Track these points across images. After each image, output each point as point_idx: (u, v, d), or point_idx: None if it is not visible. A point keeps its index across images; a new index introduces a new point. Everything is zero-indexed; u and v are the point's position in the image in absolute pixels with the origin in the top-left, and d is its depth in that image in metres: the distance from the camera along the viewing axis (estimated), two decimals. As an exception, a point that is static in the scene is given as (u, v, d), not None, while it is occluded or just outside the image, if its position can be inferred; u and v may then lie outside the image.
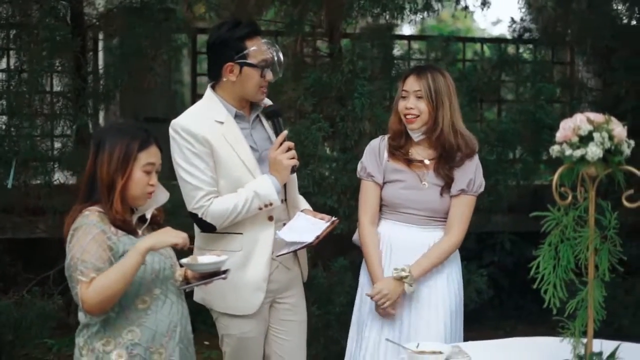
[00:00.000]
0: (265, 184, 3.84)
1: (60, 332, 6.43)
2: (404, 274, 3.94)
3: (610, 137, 3.10)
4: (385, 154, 4.11)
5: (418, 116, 4.01)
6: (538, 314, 7.10)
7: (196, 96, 8.12)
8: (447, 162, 4.04)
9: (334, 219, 3.99)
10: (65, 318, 6.30)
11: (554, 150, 3.23)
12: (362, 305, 4.20)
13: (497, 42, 8.66)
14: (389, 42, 7.06)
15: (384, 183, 4.11)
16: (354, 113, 5.99)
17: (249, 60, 3.82)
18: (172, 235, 3.20)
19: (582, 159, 3.09)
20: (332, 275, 6.08)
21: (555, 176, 3.12)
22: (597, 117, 3.20)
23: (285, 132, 3.92)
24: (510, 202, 6.75)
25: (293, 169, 3.92)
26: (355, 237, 4.24)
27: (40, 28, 6.15)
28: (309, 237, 3.87)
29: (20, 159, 6.14)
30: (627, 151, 3.16)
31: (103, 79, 6.32)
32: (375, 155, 4.13)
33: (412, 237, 4.06)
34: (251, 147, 3.92)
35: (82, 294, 3.13)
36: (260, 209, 3.84)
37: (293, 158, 3.89)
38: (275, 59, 3.89)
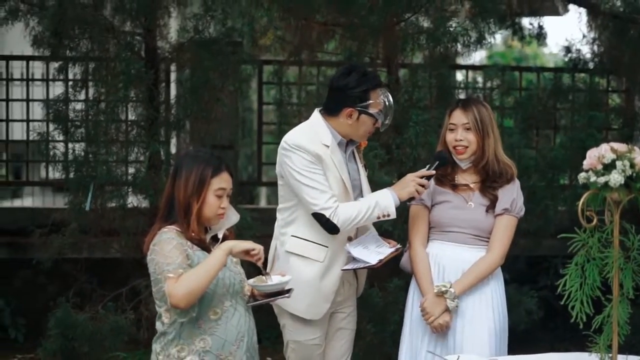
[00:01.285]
0: (386, 196, 4.21)
1: (131, 346, 6.78)
2: (444, 289, 4.20)
3: (632, 165, 3.36)
4: (433, 181, 4.37)
5: (467, 147, 4.31)
6: (590, 336, 7.26)
7: (262, 124, 8.51)
8: (490, 185, 4.33)
9: (399, 246, 4.37)
10: (136, 333, 6.65)
11: (581, 177, 3.52)
12: (413, 320, 4.45)
13: (553, 70, 8.86)
14: (446, 72, 7.31)
15: (432, 206, 4.39)
16: (409, 140, 6.27)
17: (369, 110, 4.22)
18: (249, 242, 3.58)
19: (606, 185, 3.36)
20: (387, 295, 6.33)
21: (581, 201, 3.40)
22: (621, 147, 3.47)
23: (433, 172, 4.28)
24: (563, 226, 6.91)
25: (411, 198, 4.26)
26: (403, 261, 4.52)
27: (117, 61, 6.57)
28: (374, 259, 4.22)
29: (97, 184, 6.55)
30: (648, 178, 3.41)
31: (174, 109, 6.70)
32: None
33: (460, 257, 4.31)
34: (349, 174, 4.29)
35: (170, 289, 3.46)
36: (379, 218, 4.21)
37: (419, 192, 4.24)
38: (389, 108, 4.29)
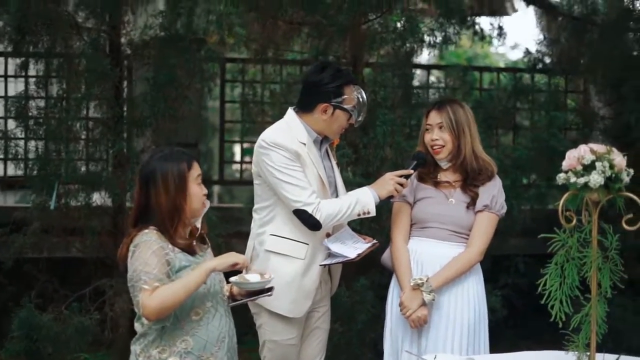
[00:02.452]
0: (367, 194, 4.25)
1: (94, 347, 6.70)
2: (420, 282, 4.23)
3: (611, 166, 3.41)
4: (415, 179, 4.48)
5: (443, 146, 4.39)
6: (552, 333, 7.36)
7: (224, 122, 8.47)
8: (471, 183, 4.39)
9: (374, 241, 4.41)
10: (100, 334, 6.58)
11: (560, 177, 3.55)
12: (393, 317, 4.48)
13: (513, 71, 8.96)
14: (409, 71, 7.35)
15: (415, 202, 4.46)
16: (376, 140, 6.30)
17: (344, 105, 4.25)
18: (233, 257, 3.56)
19: (586, 185, 3.40)
20: (354, 295, 6.36)
21: (561, 201, 3.44)
22: (600, 148, 3.52)
23: (411, 172, 4.36)
24: (525, 225, 7.01)
25: (390, 196, 4.32)
26: (384, 257, 4.56)
27: (81, 58, 6.49)
28: (352, 253, 4.27)
29: (61, 182, 6.46)
30: (626, 179, 3.47)
31: (139, 107, 6.64)
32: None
33: (440, 252, 4.36)
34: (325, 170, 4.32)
35: (143, 300, 3.44)
36: (359, 215, 4.24)
37: (398, 191, 4.30)
38: (363, 105, 4.34)
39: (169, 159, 3.60)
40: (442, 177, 4.46)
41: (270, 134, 4.25)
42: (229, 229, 6.65)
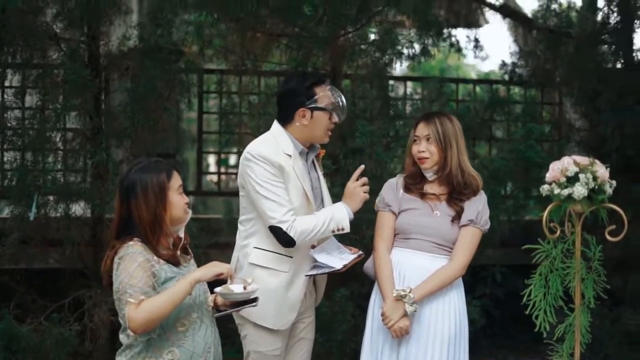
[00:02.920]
0: (341, 210, 4.26)
1: (74, 358, 6.67)
2: (403, 293, 4.26)
3: (595, 178, 3.47)
4: (401, 189, 4.50)
5: (429, 158, 4.41)
6: (528, 344, 7.43)
7: (202, 132, 8.48)
8: (457, 197, 4.42)
9: (360, 252, 4.44)
10: (80, 345, 6.52)
11: (544, 189, 3.60)
12: (374, 327, 4.47)
13: (489, 83, 9.04)
14: (386, 83, 7.41)
15: (399, 212, 4.47)
16: (355, 151, 6.34)
17: (319, 105, 4.28)
18: (217, 266, 3.55)
19: (569, 197, 3.46)
20: (334, 305, 6.37)
21: (545, 213, 3.49)
22: (583, 160, 3.58)
23: (362, 166, 4.40)
24: (502, 236, 7.07)
25: (365, 202, 4.35)
26: (366, 266, 4.56)
27: (61, 69, 6.48)
28: (338, 264, 4.29)
29: (41, 193, 6.44)
30: (609, 190, 3.52)
31: (119, 118, 6.63)
32: (392, 189, 4.50)
33: (422, 264, 4.37)
34: (310, 183, 4.34)
35: (129, 314, 3.43)
36: (334, 231, 4.25)
37: (367, 192, 4.34)
38: (340, 102, 4.34)
39: (148, 170, 3.60)
40: (428, 189, 4.48)
41: (255, 146, 4.27)
42: (208, 240, 6.65)
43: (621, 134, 7.47)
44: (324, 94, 4.30)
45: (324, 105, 4.29)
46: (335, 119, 4.36)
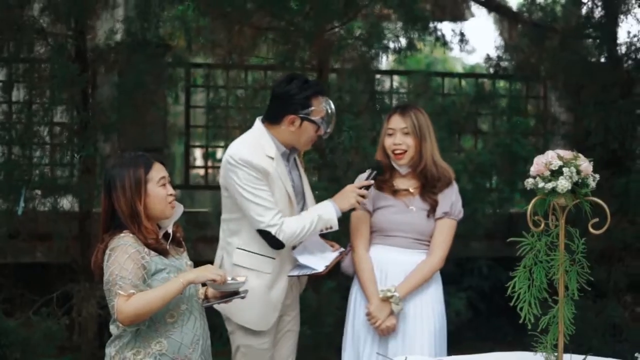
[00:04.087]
0: (328, 209, 4.26)
1: (60, 351, 6.69)
2: (389, 294, 4.29)
3: (578, 172, 3.50)
4: (373, 187, 4.43)
5: (405, 151, 4.39)
6: (513, 335, 7.48)
7: (189, 127, 8.50)
8: (429, 190, 4.43)
9: (342, 249, 4.45)
10: (68, 339, 6.57)
11: (529, 182, 3.64)
12: (355, 323, 4.52)
13: (475, 76, 9.08)
14: (372, 77, 7.44)
15: (374, 210, 4.47)
16: (342, 145, 6.37)
17: (311, 117, 4.24)
18: (211, 272, 3.59)
19: (553, 190, 3.49)
20: (321, 297, 6.42)
21: (530, 206, 3.52)
22: (567, 154, 3.61)
23: (372, 182, 4.35)
24: (487, 229, 7.12)
25: (352, 208, 4.34)
26: (344, 264, 4.58)
27: (49, 64, 6.49)
28: (320, 265, 4.30)
29: (29, 188, 6.45)
30: (592, 184, 3.56)
31: (106, 112, 6.65)
32: None
33: (404, 260, 4.40)
34: (292, 182, 4.33)
35: (119, 306, 3.47)
36: (322, 230, 4.26)
37: (359, 202, 4.32)
38: (331, 117, 4.32)
39: (126, 164, 3.65)
40: (400, 184, 4.46)
41: (237, 150, 4.22)
42: (195, 233, 6.67)
43: (605, 128, 7.52)
44: (319, 107, 4.26)
45: (315, 119, 4.25)
46: (322, 131, 4.33)
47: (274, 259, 4.27)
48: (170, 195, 3.68)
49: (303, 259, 4.34)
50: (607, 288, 7.37)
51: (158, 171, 3.65)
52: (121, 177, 3.60)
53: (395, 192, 4.46)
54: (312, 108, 4.24)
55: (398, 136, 4.39)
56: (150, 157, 3.72)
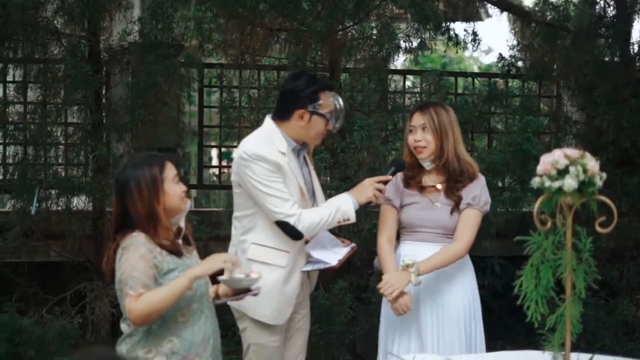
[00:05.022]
0: (346, 201, 4.31)
1: (76, 350, 6.74)
2: (409, 262, 4.32)
3: (585, 171, 3.51)
4: (401, 184, 4.58)
5: (425, 147, 4.47)
6: (525, 334, 7.48)
7: (203, 127, 8.54)
8: (454, 185, 4.49)
9: (353, 245, 4.50)
10: (81, 337, 6.61)
11: (535, 181, 3.65)
12: (387, 322, 4.57)
13: (487, 76, 9.08)
14: (385, 76, 7.46)
15: (401, 207, 4.56)
16: (353, 145, 6.40)
17: (320, 110, 4.30)
18: (217, 261, 3.56)
19: (560, 189, 3.50)
20: (332, 297, 6.44)
21: (536, 205, 3.53)
22: (573, 153, 3.62)
23: (390, 177, 4.41)
24: (500, 228, 7.12)
25: (369, 202, 4.38)
26: (375, 261, 4.66)
27: (63, 64, 6.55)
28: (333, 260, 4.34)
29: (43, 187, 6.52)
30: (599, 183, 3.57)
31: (120, 112, 6.70)
32: (393, 184, 4.56)
33: (428, 254, 4.43)
34: (303, 178, 4.38)
35: (129, 305, 3.50)
36: (339, 222, 4.30)
37: (377, 197, 4.36)
38: (339, 111, 4.38)
39: (140, 165, 3.66)
40: (427, 180, 4.55)
41: (250, 146, 4.27)
42: (208, 233, 6.72)
43: (617, 127, 7.52)
44: (327, 101, 4.33)
45: (324, 112, 4.31)
46: (331, 126, 4.39)
47: (288, 252, 4.31)
48: (183, 191, 3.71)
49: (316, 254, 4.38)
50: (619, 287, 7.37)
51: (171, 169, 3.68)
52: (136, 178, 3.60)
53: (422, 189, 4.54)
54: (321, 102, 4.30)
55: (418, 132, 4.48)
56: (161, 155, 3.76)
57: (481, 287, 7.83)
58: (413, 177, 4.57)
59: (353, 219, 4.34)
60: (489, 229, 6.95)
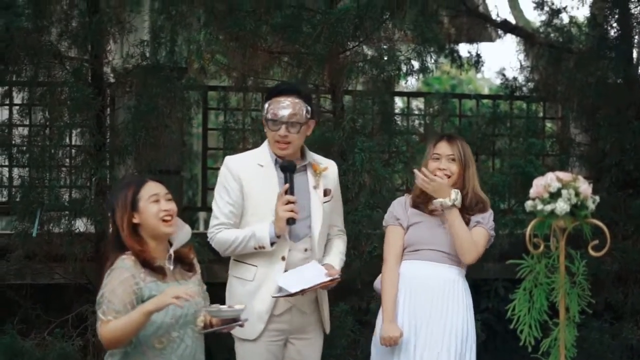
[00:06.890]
0: (263, 228, 4.29)
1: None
2: (454, 195, 4.41)
3: (577, 194, 3.50)
4: (409, 206, 4.61)
5: (449, 177, 4.51)
6: (529, 357, 7.43)
7: (207, 149, 8.57)
8: (464, 215, 4.51)
9: (336, 277, 4.37)
10: (83, 359, 6.62)
11: (528, 205, 3.65)
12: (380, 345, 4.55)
13: (491, 98, 9.09)
14: (388, 99, 7.47)
15: (408, 227, 4.57)
16: (354, 167, 6.40)
17: (265, 116, 4.39)
18: (169, 297, 3.53)
19: (552, 213, 3.49)
20: (333, 320, 6.39)
21: (529, 228, 3.53)
22: (566, 176, 3.62)
23: (286, 186, 4.32)
24: (503, 250, 7.09)
25: (288, 221, 4.28)
26: (376, 283, 4.67)
27: (65, 87, 6.61)
28: (295, 288, 4.23)
29: (44, 209, 6.54)
30: (592, 206, 3.56)
31: (121, 135, 6.74)
32: (401, 205, 4.62)
33: (433, 273, 4.48)
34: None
35: (99, 329, 3.61)
36: (256, 249, 4.30)
37: (292, 211, 4.27)
38: (273, 112, 4.35)
39: (121, 186, 3.83)
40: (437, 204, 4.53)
41: (233, 155, 4.55)
42: (211, 255, 6.70)
43: (620, 149, 7.51)
44: (270, 106, 4.37)
45: (264, 117, 4.40)
46: (275, 129, 4.35)
47: (255, 266, 4.34)
48: (164, 210, 3.72)
49: (282, 281, 4.30)
50: (623, 310, 7.32)
51: (149, 188, 3.74)
52: (117, 199, 3.74)
53: (432, 211, 4.56)
54: (266, 108, 4.40)
55: (443, 161, 4.52)
56: (145, 177, 3.92)
57: (485, 310, 7.87)
58: (424, 203, 4.58)
59: (268, 248, 4.29)
60: (492, 251, 6.93)
